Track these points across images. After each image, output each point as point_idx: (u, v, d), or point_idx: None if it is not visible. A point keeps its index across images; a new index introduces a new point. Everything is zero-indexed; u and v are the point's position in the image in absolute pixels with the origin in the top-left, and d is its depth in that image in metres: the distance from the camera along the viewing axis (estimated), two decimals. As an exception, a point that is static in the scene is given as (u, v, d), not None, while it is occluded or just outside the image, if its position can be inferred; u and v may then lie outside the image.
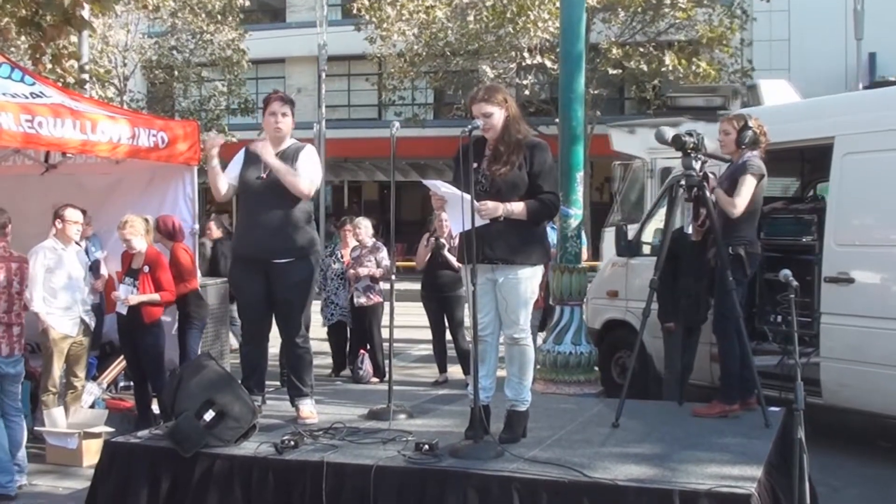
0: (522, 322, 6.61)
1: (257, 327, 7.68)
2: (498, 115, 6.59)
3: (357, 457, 6.35)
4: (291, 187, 7.34)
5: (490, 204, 6.41)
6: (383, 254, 12.61)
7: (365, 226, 12.99)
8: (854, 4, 27.50)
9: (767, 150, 8.43)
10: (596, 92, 25.05)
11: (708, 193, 7.95)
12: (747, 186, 7.86)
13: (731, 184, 7.94)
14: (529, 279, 6.62)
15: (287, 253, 7.39)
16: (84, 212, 9.71)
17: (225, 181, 7.53)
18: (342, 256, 12.91)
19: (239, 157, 7.65)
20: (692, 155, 7.91)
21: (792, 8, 29.77)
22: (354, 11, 27.44)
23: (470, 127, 6.44)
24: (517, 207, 6.50)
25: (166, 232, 10.13)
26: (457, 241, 7.60)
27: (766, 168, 8.27)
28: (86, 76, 14.63)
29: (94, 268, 10.11)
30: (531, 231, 6.65)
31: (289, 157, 7.46)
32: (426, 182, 6.74)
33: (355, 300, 12.73)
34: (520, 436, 6.77)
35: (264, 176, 7.37)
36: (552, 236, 11.63)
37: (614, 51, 24.26)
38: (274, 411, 7.69)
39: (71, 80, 13.64)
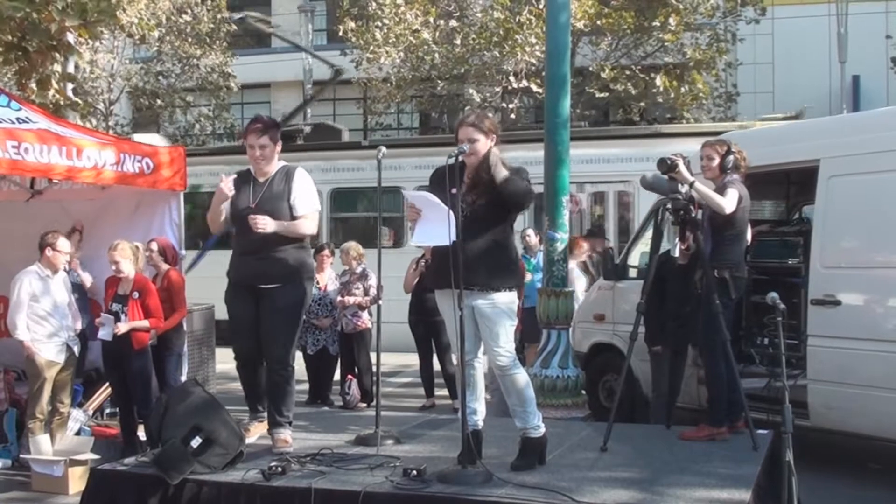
0: (505, 349, 6.60)
1: (249, 351, 7.62)
2: (483, 143, 6.60)
3: (345, 483, 6.34)
4: (302, 236, 7.46)
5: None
6: (372, 281, 12.50)
7: (352, 250, 12.91)
8: (838, 27, 27.66)
9: (754, 174, 8.50)
10: (584, 114, 25.10)
11: (695, 214, 8.01)
12: (731, 191, 7.95)
13: (713, 210, 7.98)
14: (507, 304, 6.63)
15: (274, 279, 7.37)
16: (80, 231, 9.70)
17: (224, 217, 7.57)
18: (318, 282, 12.79)
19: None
20: (677, 178, 7.95)
21: (776, 31, 29.89)
22: (341, 34, 27.44)
23: (457, 151, 6.45)
24: (503, 171, 6.52)
25: (171, 256, 10.17)
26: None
27: (753, 190, 8.34)
28: (78, 99, 14.63)
29: (76, 291, 10.07)
30: (506, 256, 6.66)
31: (279, 183, 7.46)
32: (408, 194, 6.72)
33: (344, 327, 12.67)
34: (535, 463, 6.73)
35: (253, 205, 7.36)
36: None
37: (605, 73, 24.27)
38: (261, 438, 7.65)
39: (62, 100, 13.64)
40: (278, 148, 7.56)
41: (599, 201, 18.29)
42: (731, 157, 8.16)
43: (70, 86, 14.25)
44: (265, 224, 7.19)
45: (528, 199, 6.75)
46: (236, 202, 7.46)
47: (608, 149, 17.82)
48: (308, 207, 7.50)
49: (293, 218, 7.42)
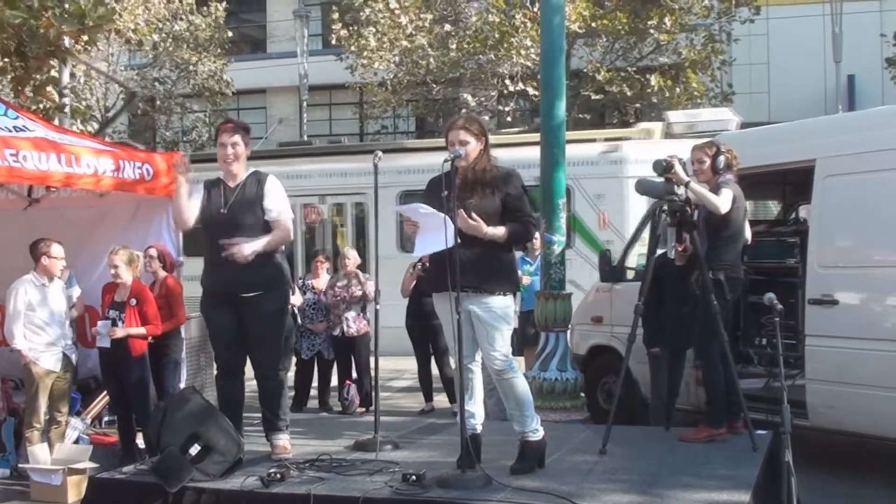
0: (501, 354, 6.60)
1: (231, 361, 7.59)
2: (473, 145, 6.62)
3: (344, 489, 6.34)
4: (283, 243, 7.44)
5: (469, 220, 6.44)
6: (371, 281, 12.53)
7: (353, 256, 12.90)
8: (832, 27, 27.69)
9: (750, 174, 8.51)
10: (580, 116, 25.12)
11: (691, 214, 8.03)
12: (726, 191, 7.97)
13: (709, 210, 8.00)
14: (503, 308, 6.63)
15: (255, 286, 7.32)
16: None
17: (191, 211, 7.45)
18: (313, 287, 12.77)
19: (200, 189, 7.56)
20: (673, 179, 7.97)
21: (771, 31, 29.93)
22: (333, 42, 27.48)
23: (453, 156, 6.46)
24: (499, 231, 6.53)
25: (168, 263, 10.16)
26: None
27: (749, 191, 8.36)
28: (66, 101, 14.61)
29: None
30: (502, 260, 6.67)
31: (251, 187, 7.43)
32: (400, 208, 6.75)
33: (345, 330, 12.62)
34: (534, 466, 6.75)
35: (225, 211, 7.34)
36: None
37: (601, 75, 24.27)
38: (259, 444, 7.64)
39: (49, 105, 13.62)
40: (248, 151, 7.55)
41: (339, 212, 20.05)
42: (721, 158, 8.20)
43: (54, 89, 14.20)
44: (242, 253, 7.14)
45: (531, 235, 7.03)
46: (208, 208, 7.42)
47: (345, 164, 19.44)
48: (283, 214, 7.47)
49: (265, 224, 7.39)
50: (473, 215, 6.45)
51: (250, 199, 7.38)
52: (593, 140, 17.56)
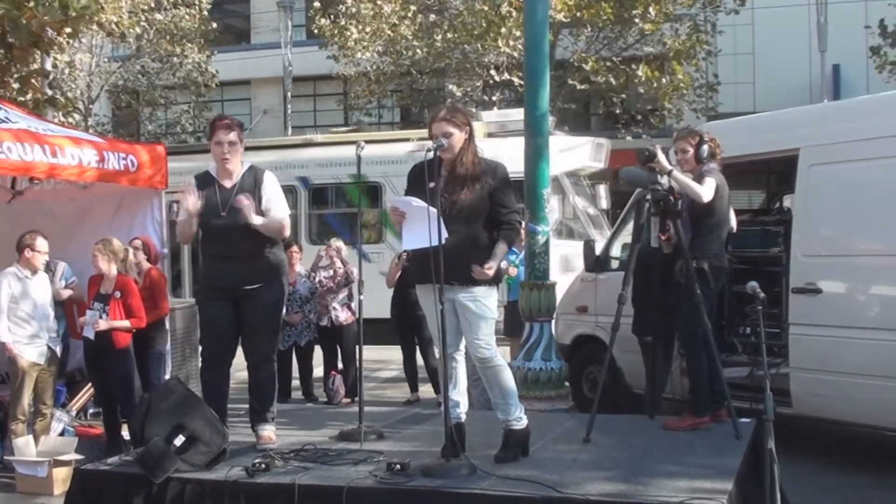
0: (486, 342, 6.61)
1: (222, 353, 7.60)
2: (457, 137, 6.59)
3: (328, 478, 6.33)
4: (278, 235, 7.45)
5: (487, 271, 6.50)
6: (355, 270, 12.50)
7: (339, 246, 12.90)
8: (818, 17, 27.73)
9: (734, 164, 8.52)
10: (565, 107, 25.13)
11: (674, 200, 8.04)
12: (709, 180, 7.97)
13: (693, 199, 8.01)
14: (486, 298, 6.63)
15: (256, 279, 7.37)
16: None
17: (194, 230, 7.47)
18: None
19: (191, 185, 7.51)
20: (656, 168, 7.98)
21: (756, 21, 29.97)
22: (316, 32, 27.47)
23: (435, 145, 6.45)
24: (500, 252, 6.64)
25: (153, 255, 10.15)
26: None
27: (733, 179, 8.36)
28: (55, 93, 14.61)
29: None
30: (486, 251, 6.64)
31: (249, 185, 7.44)
32: (392, 199, 6.75)
33: (334, 318, 12.59)
34: (518, 455, 6.74)
35: (224, 213, 7.33)
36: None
37: (588, 65, 24.25)
38: (244, 434, 7.64)
39: (38, 96, 13.59)
40: (242, 148, 7.56)
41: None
42: (704, 147, 8.19)
43: (45, 81, 14.20)
44: (249, 209, 7.19)
45: (519, 231, 7.12)
46: (205, 210, 7.38)
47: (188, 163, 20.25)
48: (283, 212, 7.52)
49: None
50: (483, 269, 6.49)
51: (249, 195, 7.38)
52: (407, 139, 17.74)
